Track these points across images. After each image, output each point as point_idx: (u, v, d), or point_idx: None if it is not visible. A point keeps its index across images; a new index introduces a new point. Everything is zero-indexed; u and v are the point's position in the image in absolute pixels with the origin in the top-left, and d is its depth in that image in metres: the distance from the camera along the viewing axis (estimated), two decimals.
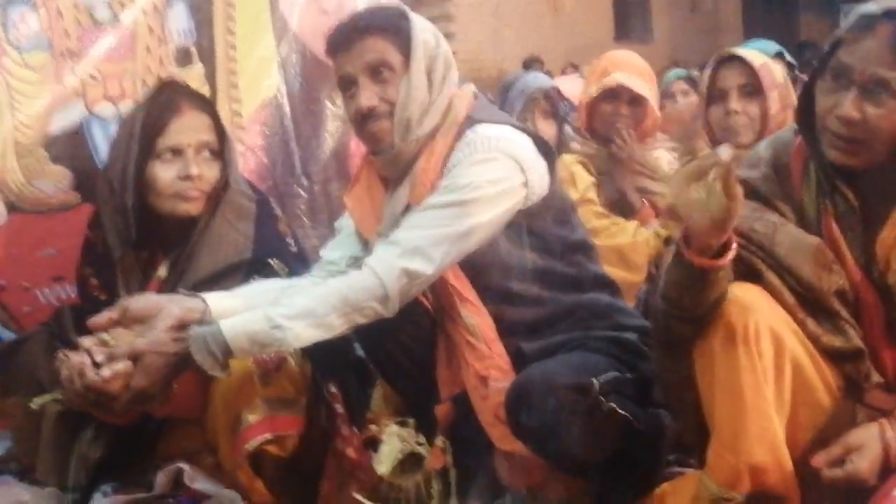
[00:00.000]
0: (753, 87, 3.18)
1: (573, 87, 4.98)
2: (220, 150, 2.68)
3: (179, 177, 2.61)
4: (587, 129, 3.80)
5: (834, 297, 1.98)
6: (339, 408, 2.59)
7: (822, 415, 2.00)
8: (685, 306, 1.94)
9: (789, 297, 1.98)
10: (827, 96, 1.98)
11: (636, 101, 3.67)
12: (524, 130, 2.45)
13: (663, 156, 3.82)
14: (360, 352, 2.68)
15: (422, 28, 2.43)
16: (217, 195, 2.66)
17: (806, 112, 2.07)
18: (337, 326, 2.22)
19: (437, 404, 2.49)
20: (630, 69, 3.71)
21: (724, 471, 1.97)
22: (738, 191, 1.77)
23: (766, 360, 1.91)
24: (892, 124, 1.91)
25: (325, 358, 2.52)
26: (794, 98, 3.20)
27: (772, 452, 1.93)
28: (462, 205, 2.29)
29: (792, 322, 1.97)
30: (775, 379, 1.93)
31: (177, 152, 2.62)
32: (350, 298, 2.22)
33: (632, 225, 3.54)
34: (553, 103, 3.90)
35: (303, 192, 3.67)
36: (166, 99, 2.67)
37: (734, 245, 1.89)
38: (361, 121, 2.41)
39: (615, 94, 3.68)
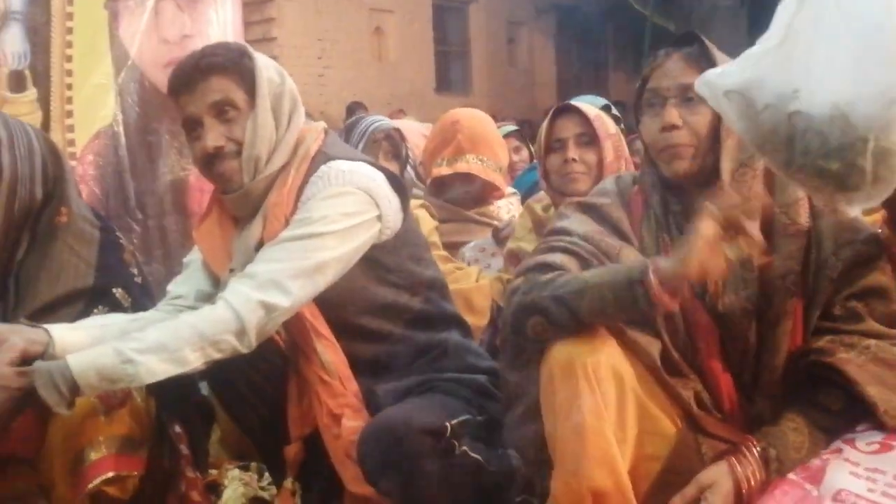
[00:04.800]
0: (589, 137, 3.26)
1: (408, 130, 5.01)
2: None
3: None
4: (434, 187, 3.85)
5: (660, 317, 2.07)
6: (184, 449, 2.47)
7: (666, 445, 2.05)
8: (593, 313, 1.98)
9: None
10: (650, 122, 2.15)
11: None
12: (377, 167, 2.45)
13: (503, 205, 3.91)
14: (203, 391, 2.60)
15: (265, 66, 2.40)
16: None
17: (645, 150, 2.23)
18: (191, 361, 2.14)
19: (287, 445, 2.42)
20: (484, 149, 3.77)
21: (567, 496, 1.97)
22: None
23: (608, 394, 1.95)
24: (706, 121, 2.09)
25: (170, 397, 2.42)
26: (625, 148, 3.34)
27: (612, 476, 1.95)
28: (317, 237, 2.26)
29: (631, 356, 2.02)
30: (618, 412, 1.96)
31: None
32: (205, 332, 2.14)
33: (474, 269, 3.58)
34: (396, 144, 3.92)
35: (136, 227, 3.56)
36: None
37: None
38: (209, 161, 2.37)
39: (466, 175, 3.75)
